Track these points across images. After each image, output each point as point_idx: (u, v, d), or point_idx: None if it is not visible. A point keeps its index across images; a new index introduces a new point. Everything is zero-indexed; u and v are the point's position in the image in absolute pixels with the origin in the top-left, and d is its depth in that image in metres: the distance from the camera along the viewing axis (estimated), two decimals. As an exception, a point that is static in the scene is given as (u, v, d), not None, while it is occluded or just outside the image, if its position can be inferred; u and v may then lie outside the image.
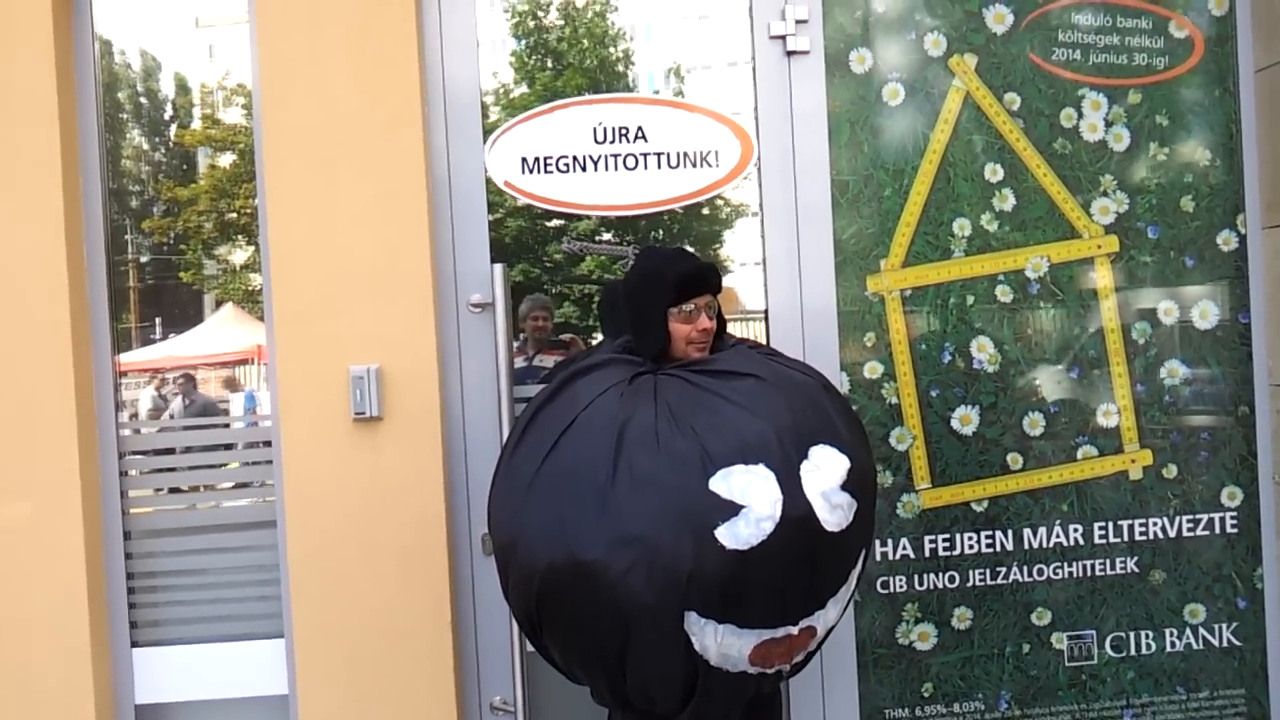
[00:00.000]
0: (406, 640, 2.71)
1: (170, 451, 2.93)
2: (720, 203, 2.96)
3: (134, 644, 2.80)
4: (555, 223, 2.95)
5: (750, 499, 1.96)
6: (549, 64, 2.94)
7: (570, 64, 2.94)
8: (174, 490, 2.87)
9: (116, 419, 2.79)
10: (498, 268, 2.72)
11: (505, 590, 2.15)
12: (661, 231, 2.98)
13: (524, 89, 2.92)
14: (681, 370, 2.20)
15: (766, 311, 2.87)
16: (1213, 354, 3.01)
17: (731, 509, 1.95)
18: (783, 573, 1.98)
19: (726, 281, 2.88)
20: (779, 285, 2.86)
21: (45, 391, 2.65)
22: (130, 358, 2.87)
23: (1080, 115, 2.95)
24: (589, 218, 2.90)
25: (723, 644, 1.99)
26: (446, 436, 2.77)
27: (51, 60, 2.66)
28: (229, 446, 2.92)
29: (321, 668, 2.71)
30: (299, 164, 2.69)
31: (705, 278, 2.30)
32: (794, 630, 2.05)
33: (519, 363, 2.89)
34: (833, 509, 2.01)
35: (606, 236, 2.96)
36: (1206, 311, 3.00)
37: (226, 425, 2.91)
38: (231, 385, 2.98)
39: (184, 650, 2.82)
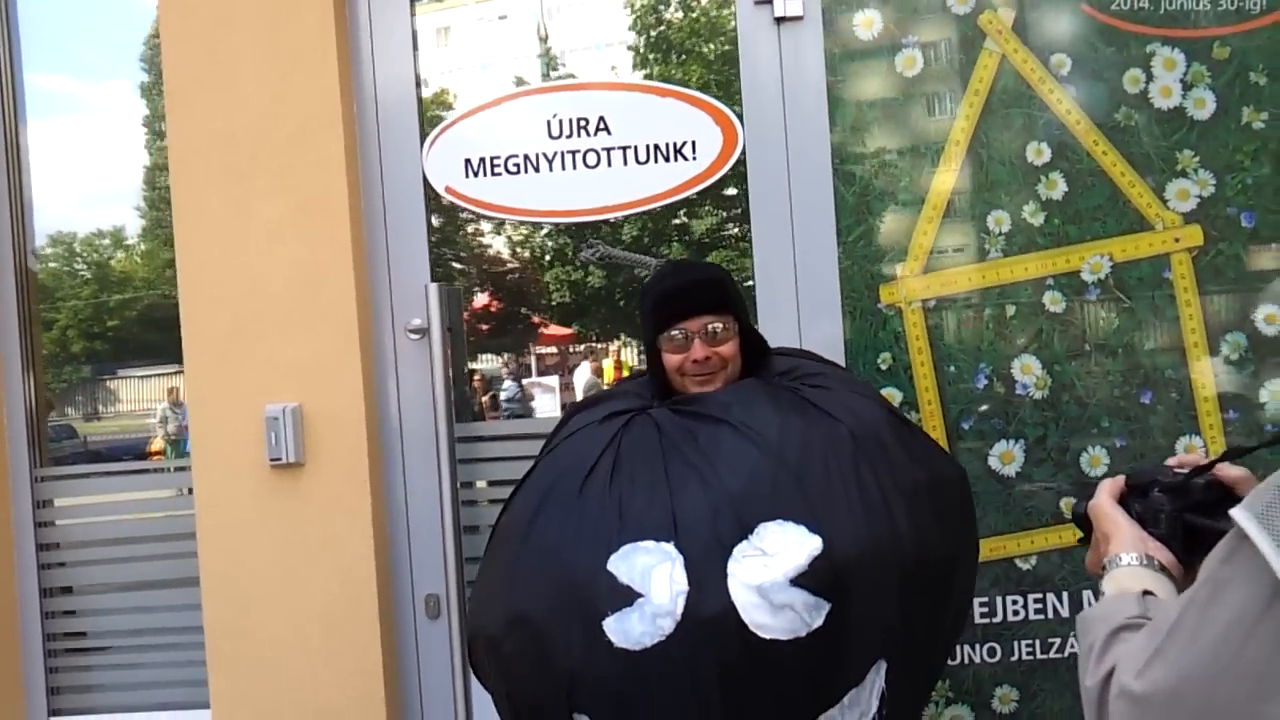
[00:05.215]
0: (336, 720, 2.36)
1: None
2: (699, 204, 2.51)
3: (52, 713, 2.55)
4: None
5: (649, 586, 1.53)
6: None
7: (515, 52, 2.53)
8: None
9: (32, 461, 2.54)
10: (432, 288, 2.34)
11: None
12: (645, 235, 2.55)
13: (464, 85, 2.52)
14: (665, 410, 1.78)
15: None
16: (1333, 372, 2.38)
17: (626, 596, 1.53)
18: (692, 688, 1.52)
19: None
20: (770, 296, 2.38)
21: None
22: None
23: (1150, 77, 2.35)
24: (541, 224, 2.49)
25: None
26: (383, 484, 2.41)
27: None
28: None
29: (245, 748, 2.38)
30: (206, 177, 2.36)
31: (688, 295, 1.84)
32: None
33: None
34: (775, 610, 1.51)
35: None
36: (1324, 318, 2.37)
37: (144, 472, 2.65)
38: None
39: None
